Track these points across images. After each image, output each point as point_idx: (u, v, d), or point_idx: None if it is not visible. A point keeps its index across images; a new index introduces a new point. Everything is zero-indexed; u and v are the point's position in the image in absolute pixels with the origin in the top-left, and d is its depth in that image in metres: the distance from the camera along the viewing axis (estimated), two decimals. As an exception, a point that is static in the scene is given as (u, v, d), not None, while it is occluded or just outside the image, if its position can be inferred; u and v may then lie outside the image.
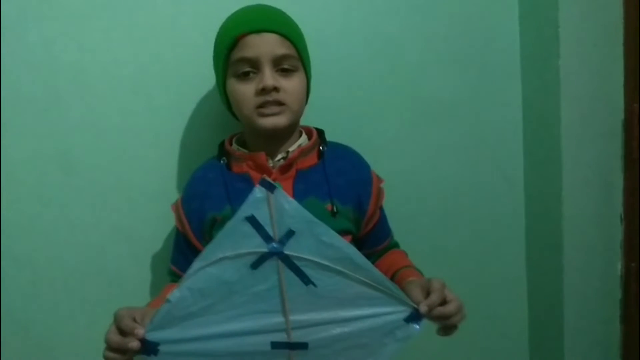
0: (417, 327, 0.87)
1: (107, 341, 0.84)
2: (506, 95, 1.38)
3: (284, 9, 1.07)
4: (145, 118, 1.25)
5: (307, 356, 0.89)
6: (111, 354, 0.85)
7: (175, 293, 0.85)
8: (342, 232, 0.91)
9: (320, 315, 0.87)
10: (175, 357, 0.87)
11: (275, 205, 0.83)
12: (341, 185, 1.05)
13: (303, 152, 1.05)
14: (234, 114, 1.09)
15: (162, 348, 0.85)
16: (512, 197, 1.42)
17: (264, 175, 0.87)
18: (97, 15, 1.21)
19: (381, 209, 1.15)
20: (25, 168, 1.22)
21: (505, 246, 1.43)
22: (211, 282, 0.85)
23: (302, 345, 0.88)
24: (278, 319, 0.87)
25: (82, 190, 1.25)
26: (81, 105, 1.22)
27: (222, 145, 1.11)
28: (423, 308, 0.86)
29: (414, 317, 0.87)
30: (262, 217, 0.83)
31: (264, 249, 0.84)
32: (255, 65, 1.00)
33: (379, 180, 1.13)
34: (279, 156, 1.06)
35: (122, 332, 0.84)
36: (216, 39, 1.05)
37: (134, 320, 0.85)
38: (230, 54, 1.01)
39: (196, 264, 0.84)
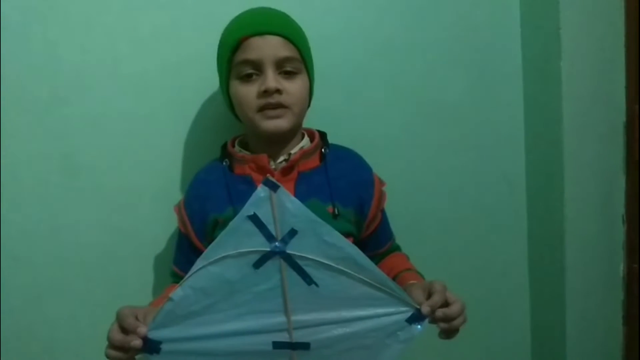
0: (420, 328, 0.87)
1: (109, 339, 0.84)
2: (508, 96, 1.39)
3: (287, 12, 1.07)
4: (147, 120, 1.25)
5: (309, 356, 0.89)
6: (113, 352, 0.84)
7: (177, 291, 0.85)
8: (344, 235, 0.89)
9: (322, 315, 0.87)
10: (177, 355, 0.86)
11: (278, 204, 0.83)
12: (343, 187, 1.05)
13: (305, 154, 1.05)
14: (236, 116, 1.09)
15: (164, 346, 0.85)
16: (514, 198, 1.42)
17: (268, 175, 0.88)
18: (99, 17, 1.21)
19: (383, 211, 1.15)
20: (28, 170, 1.22)
21: (507, 248, 1.43)
22: (213, 280, 0.84)
23: (304, 346, 0.88)
24: (280, 318, 0.87)
25: (84, 192, 1.24)
26: (84, 107, 1.22)
27: (224, 147, 1.11)
28: (425, 309, 0.86)
29: (416, 318, 0.87)
30: (265, 216, 0.83)
31: (266, 247, 0.84)
32: (258, 67, 1.00)
33: (381, 183, 1.13)
34: (281, 158, 1.06)
35: (125, 331, 0.84)
36: (220, 41, 1.06)
37: (137, 318, 0.85)
38: (233, 56, 1.01)
39: (199, 263, 0.84)
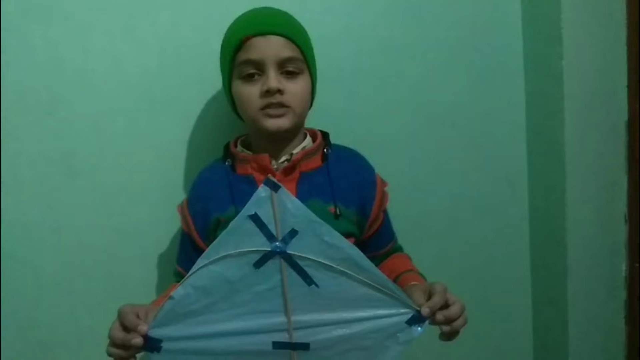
0: (420, 329, 0.87)
1: (110, 337, 0.85)
2: (509, 96, 1.39)
3: (289, 12, 1.07)
4: (149, 120, 1.25)
5: (309, 357, 0.89)
6: (115, 350, 0.85)
7: (178, 290, 0.85)
8: (345, 235, 0.90)
9: (322, 316, 0.87)
10: (177, 354, 0.87)
11: (279, 205, 0.83)
12: (345, 187, 1.05)
13: (307, 154, 1.06)
14: (239, 116, 1.10)
15: (164, 345, 0.85)
16: (516, 198, 1.42)
17: (269, 175, 0.88)
18: (101, 18, 1.21)
19: (385, 212, 1.15)
20: (30, 170, 1.22)
21: (509, 248, 1.43)
22: (214, 280, 0.85)
23: (304, 346, 0.88)
24: (280, 318, 0.87)
25: (86, 193, 1.25)
26: (85, 107, 1.23)
27: (227, 147, 1.11)
28: (425, 310, 0.86)
29: (416, 319, 0.87)
30: (266, 216, 0.83)
31: (267, 247, 0.84)
32: (260, 67, 1.00)
33: (384, 183, 1.13)
34: (283, 158, 1.06)
35: (126, 329, 0.84)
36: (223, 41, 1.06)
37: (138, 316, 0.86)
38: (235, 56, 1.02)
39: (200, 262, 0.85)
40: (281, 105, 1.01)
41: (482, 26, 1.36)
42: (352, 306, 0.87)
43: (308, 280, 0.86)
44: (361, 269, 0.86)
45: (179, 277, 1.10)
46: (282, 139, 1.06)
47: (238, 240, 0.84)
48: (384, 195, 1.12)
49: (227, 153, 1.10)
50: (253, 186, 1.00)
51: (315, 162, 1.07)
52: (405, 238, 1.22)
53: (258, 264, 0.85)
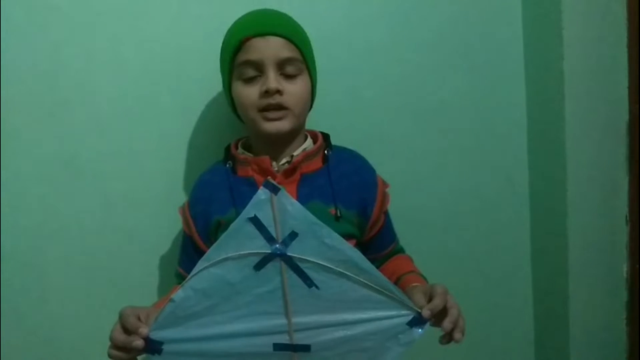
0: (420, 331, 0.87)
1: (111, 339, 0.85)
2: (510, 97, 1.39)
3: (290, 14, 1.08)
4: (151, 122, 1.26)
5: (310, 358, 0.89)
6: (116, 352, 0.85)
7: (179, 293, 0.85)
8: (346, 237, 0.90)
9: (323, 317, 0.87)
10: (178, 356, 0.87)
11: (279, 207, 0.83)
12: (345, 189, 1.05)
13: (308, 156, 1.06)
14: (239, 117, 1.10)
15: (165, 347, 0.86)
16: (517, 199, 1.42)
17: (268, 177, 0.88)
18: (103, 20, 1.22)
19: (386, 213, 1.15)
20: (32, 172, 1.23)
21: (510, 248, 1.43)
22: (215, 282, 0.85)
23: (305, 348, 0.88)
24: (280, 320, 0.87)
25: (89, 194, 1.25)
26: (88, 109, 1.23)
27: (228, 149, 1.12)
28: (426, 313, 0.85)
29: (417, 321, 0.87)
30: (266, 219, 0.84)
31: (267, 250, 0.84)
32: (259, 68, 1.00)
33: (385, 184, 1.13)
34: (284, 160, 1.06)
35: (127, 331, 0.85)
36: (223, 43, 1.06)
37: (139, 319, 0.86)
38: (235, 57, 1.02)
39: (200, 264, 0.85)
40: (280, 106, 1.01)
41: (483, 26, 1.36)
42: (352, 308, 0.87)
43: (308, 282, 0.86)
44: (362, 271, 0.86)
45: (180, 278, 1.11)
46: (282, 141, 1.06)
47: (238, 242, 0.84)
48: (385, 197, 1.12)
49: (228, 155, 1.10)
50: (254, 188, 0.99)
51: (316, 163, 1.07)
52: (406, 237, 1.22)
53: (258, 267, 0.85)
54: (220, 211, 1.04)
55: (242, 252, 0.84)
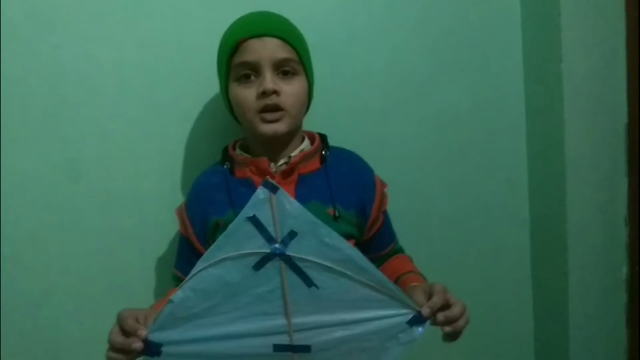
0: (421, 330, 0.87)
1: (110, 341, 0.85)
2: (509, 99, 1.39)
3: (289, 16, 1.08)
4: (151, 124, 1.26)
5: (310, 359, 0.89)
6: (114, 354, 0.85)
7: (178, 294, 0.85)
8: (345, 237, 0.89)
9: (323, 318, 0.87)
10: (177, 358, 0.87)
11: (277, 206, 0.83)
12: (344, 189, 1.06)
13: (305, 156, 1.06)
14: (237, 119, 1.11)
15: (164, 349, 0.86)
16: (516, 201, 1.42)
17: (267, 177, 0.88)
18: (104, 23, 1.22)
19: (385, 213, 1.16)
20: (33, 174, 1.23)
21: (510, 250, 1.43)
22: (214, 282, 0.85)
23: (305, 348, 0.88)
24: (280, 321, 0.87)
25: (88, 196, 1.26)
26: (88, 112, 1.24)
27: (225, 150, 1.12)
28: (425, 311, 0.86)
29: (417, 320, 0.87)
30: (265, 218, 0.84)
31: (266, 249, 0.85)
32: (256, 69, 1.01)
33: (383, 184, 1.14)
34: (281, 161, 1.07)
35: (125, 333, 0.85)
36: (219, 45, 1.07)
37: (137, 321, 0.86)
38: (232, 59, 1.03)
39: (199, 265, 0.85)
40: (277, 107, 1.01)
41: (481, 29, 1.37)
42: (352, 307, 0.87)
43: (308, 281, 0.86)
44: (361, 270, 0.86)
45: (177, 281, 1.11)
46: (279, 143, 1.07)
47: (237, 242, 0.84)
48: (383, 197, 1.13)
49: (226, 156, 1.11)
50: (252, 189, 0.98)
51: (314, 164, 1.08)
52: (407, 239, 1.23)
53: (257, 266, 0.85)
54: (218, 212, 1.04)
55: (241, 252, 0.84)
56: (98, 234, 1.27)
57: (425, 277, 1.07)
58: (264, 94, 1.00)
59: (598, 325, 1.34)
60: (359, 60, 1.32)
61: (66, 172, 1.24)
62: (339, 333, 0.88)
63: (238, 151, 1.10)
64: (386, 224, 1.17)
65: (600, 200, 1.31)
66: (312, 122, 1.15)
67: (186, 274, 0.87)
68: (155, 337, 0.85)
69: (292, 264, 0.85)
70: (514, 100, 1.40)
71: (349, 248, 0.86)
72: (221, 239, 0.85)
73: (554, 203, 1.32)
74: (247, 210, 0.84)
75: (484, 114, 1.38)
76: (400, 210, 1.22)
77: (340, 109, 1.31)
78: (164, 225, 1.26)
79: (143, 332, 0.84)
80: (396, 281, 1.05)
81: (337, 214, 1.03)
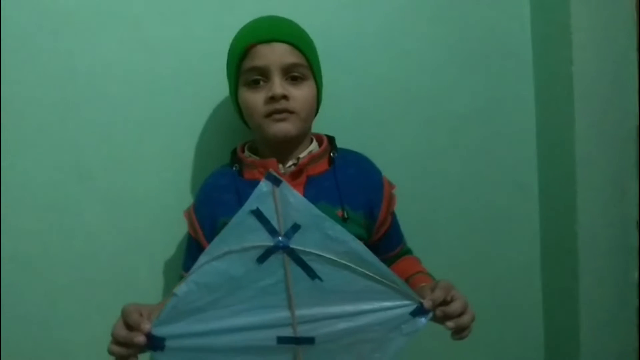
0: (423, 320, 0.88)
1: (113, 335, 0.85)
2: (519, 101, 1.40)
3: (297, 20, 1.09)
4: (159, 127, 1.28)
5: (314, 351, 0.89)
6: (117, 348, 0.85)
7: (182, 287, 0.86)
8: None
9: (327, 310, 0.88)
10: (181, 352, 0.87)
11: (281, 199, 0.84)
12: (352, 191, 1.07)
13: (314, 158, 1.07)
14: (246, 123, 1.12)
15: (168, 343, 0.85)
16: (526, 203, 1.42)
17: (270, 169, 0.89)
18: (113, 27, 1.24)
19: (393, 214, 1.16)
20: (41, 175, 1.25)
21: (520, 253, 1.43)
22: (217, 276, 0.85)
23: (309, 340, 0.88)
24: (284, 313, 0.88)
25: (96, 198, 1.27)
26: (97, 115, 1.25)
27: (234, 152, 1.13)
28: (427, 303, 0.87)
29: (420, 311, 0.88)
30: (268, 211, 0.84)
31: (269, 242, 0.85)
32: (265, 74, 1.02)
33: (391, 186, 1.14)
34: (290, 163, 1.08)
35: (129, 327, 0.85)
36: (229, 49, 1.08)
37: (141, 315, 0.86)
38: (241, 64, 1.04)
39: (202, 258, 0.86)
40: (286, 111, 1.03)
41: (491, 31, 1.37)
42: (356, 299, 0.88)
43: (312, 274, 0.86)
44: (365, 263, 0.86)
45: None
46: (288, 144, 1.08)
47: (240, 235, 0.85)
48: (391, 198, 1.13)
49: (234, 158, 1.12)
50: None
51: (322, 166, 1.09)
52: (417, 242, 1.23)
53: (261, 259, 0.86)
54: (227, 214, 1.01)
55: (244, 245, 0.85)
56: (105, 236, 1.28)
57: (434, 277, 1.08)
58: (273, 98, 1.01)
59: (609, 328, 1.33)
60: (368, 64, 1.33)
61: (74, 174, 1.26)
62: (343, 325, 0.88)
63: (247, 153, 1.11)
64: (394, 226, 1.17)
65: (611, 202, 1.31)
66: (320, 124, 1.16)
67: (194, 277, 0.88)
68: (159, 331, 0.85)
69: (295, 256, 0.86)
70: (524, 103, 1.40)
71: (353, 241, 0.86)
72: (224, 232, 0.85)
73: (564, 205, 1.32)
74: (251, 203, 0.85)
75: (493, 116, 1.39)
76: (409, 212, 1.23)
77: (349, 111, 1.32)
78: (171, 227, 1.26)
79: (146, 326, 0.84)
80: (405, 282, 1.05)
81: (345, 215, 1.04)
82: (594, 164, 1.29)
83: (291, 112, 1.03)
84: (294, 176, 1.05)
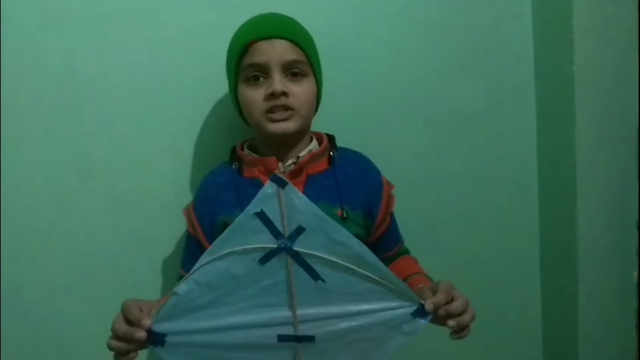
0: (423, 321, 0.88)
1: (113, 330, 0.85)
2: (520, 101, 1.40)
3: (299, 18, 1.10)
4: (159, 125, 1.28)
5: (314, 348, 0.89)
6: (117, 343, 0.85)
7: (182, 286, 0.86)
8: None
9: (328, 309, 0.88)
10: (181, 347, 0.87)
11: (286, 201, 0.84)
12: (351, 190, 1.07)
13: (313, 157, 1.07)
14: (245, 120, 1.12)
15: (168, 339, 0.86)
16: (527, 204, 1.43)
17: (275, 171, 0.89)
18: (114, 26, 1.25)
19: (391, 215, 1.17)
20: (42, 173, 1.25)
21: (520, 254, 1.44)
22: (219, 275, 0.86)
23: (309, 338, 0.89)
24: (285, 312, 0.88)
25: (97, 196, 1.28)
26: (98, 113, 1.26)
27: (233, 150, 1.13)
28: (429, 306, 0.87)
29: (420, 312, 0.88)
30: (272, 213, 0.85)
31: (273, 244, 0.85)
32: (264, 70, 1.02)
33: (390, 186, 1.15)
34: (290, 161, 1.08)
35: (129, 322, 0.85)
36: (229, 46, 1.09)
37: (141, 311, 0.86)
38: (241, 60, 1.04)
39: (204, 258, 0.86)
40: (286, 107, 1.03)
41: (492, 31, 1.38)
42: (358, 300, 0.88)
43: (315, 275, 0.87)
44: (368, 265, 0.87)
45: (183, 281, 1.12)
46: (288, 143, 1.08)
47: (243, 237, 0.86)
48: (390, 198, 1.14)
49: (234, 156, 1.12)
50: (260, 189, 0.99)
51: (322, 165, 1.09)
52: (415, 242, 1.24)
53: (263, 260, 0.86)
54: (226, 212, 1.05)
55: (247, 247, 0.86)
56: (105, 233, 1.28)
57: (431, 278, 1.08)
58: (273, 95, 1.01)
59: (608, 330, 1.33)
60: (368, 62, 1.33)
61: (74, 173, 1.27)
62: (344, 324, 0.89)
63: (246, 151, 1.11)
64: (392, 226, 1.18)
65: (611, 204, 1.31)
66: (320, 123, 1.17)
67: (192, 274, 0.88)
68: (159, 327, 0.86)
69: (298, 258, 0.86)
70: (525, 103, 1.40)
71: (357, 244, 0.87)
72: (227, 232, 0.86)
73: (564, 207, 1.32)
74: (255, 205, 0.85)
75: (494, 117, 1.39)
76: (409, 212, 1.24)
77: (349, 110, 1.33)
78: (171, 225, 1.27)
79: (147, 322, 0.84)
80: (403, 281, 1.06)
81: (345, 214, 1.04)
82: (594, 164, 1.29)
83: (291, 109, 1.03)
84: (293, 175, 1.06)
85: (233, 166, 1.10)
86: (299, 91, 1.04)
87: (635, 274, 1.34)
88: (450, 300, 0.90)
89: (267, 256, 0.86)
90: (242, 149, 1.12)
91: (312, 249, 0.86)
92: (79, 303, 1.29)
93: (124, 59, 1.26)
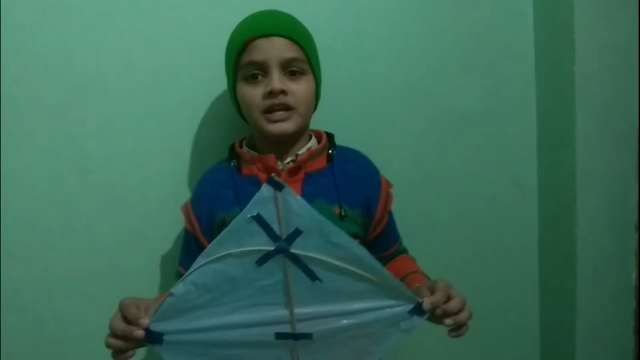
0: (421, 319, 0.89)
1: (111, 328, 0.86)
2: (520, 101, 1.40)
3: (299, 16, 1.10)
4: (158, 122, 1.28)
5: (311, 346, 0.90)
6: (115, 341, 0.86)
7: (179, 287, 0.86)
8: (350, 236, 0.90)
9: (325, 308, 0.89)
10: (179, 345, 0.88)
11: (283, 204, 0.85)
12: (350, 189, 1.07)
13: (312, 155, 1.08)
14: (244, 118, 1.12)
15: (166, 337, 0.87)
16: (526, 204, 1.43)
17: (273, 174, 0.89)
18: (113, 22, 1.25)
19: (390, 214, 1.17)
20: (40, 170, 1.26)
21: (518, 254, 1.44)
22: (215, 277, 0.86)
23: (307, 336, 0.89)
24: (283, 311, 0.89)
25: (96, 193, 1.28)
26: (97, 109, 1.26)
27: (232, 147, 1.14)
28: (426, 305, 0.88)
29: (418, 310, 0.89)
30: (269, 216, 0.85)
31: (270, 247, 0.86)
32: (263, 68, 1.03)
33: (388, 185, 1.15)
34: (288, 159, 1.09)
35: (127, 321, 0.86)
36: (227, 44, 1.09)
37: (139, 309, 0.87)
38: (239, 58, 1.04)
39: (200, 260, 0.86)
40: (285, 106, 1.03)
41: (493, 31, 1.38)
42: (355, 298, 0.89)
43: (312, 276, 0.87)
44: (366, 267, 0.87)
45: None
46: (286, 141, 1.09)
47: (240, 239, 0.86)
48: (388, 197, 1.14)
49: (232, 154, 1.12)
50: (258, 187, 0.97)
51: (321, 163, 1.09)
52: (414, 241, 1.24)
53: (261, 262, 0.86)
54: (225, 209, 1.06)
55: (244, 249, 0.86)
56: (103, 231, 1.29)
57: (429, 277, 1.08)
58: (271, 93, 1.02)
59: (606, 331, 1.34)
60: (367, 60, 1.33)
61: (73, 169, 1.27)
62: (342, 322, 0.89)
63: (245, 149, 1.12)
64: (390, 225, 1.18)
65: (611, 205, 1.32)
66: (319, 121, 1.17)
67: (191, 271, 0.89)
68: (157, 326, 0.86)
69: (296, 260, 0.87)
70: (525, 103, 1.40)
71: (355, 247, 0.87)
72: (223, 234, 0.86)
73: (564, 206, 1.33)
74: (251, 209, 0.85)
75: (494, 116, 1.39)
76: (409, 211, 1.24)
77: (348, 109, 1.33)
78: (169, 222, 1.28)
79: (145, 321, 0.85)
80: (401, 281, 1.06)
81: (343, 213, 1.05)
82: (595, 165, 1.29)
83: (290, 107, 1.04)
84: (292, 173, 1.06)
85: (232, 163, 1.11)
86: (298, 89, 1.04)
87: (634, 275, 1.34)
88: (448, 299, 0.90)
89: (264, 258, 0.87)
90: (241, 147, 1.13)
91: (310, 251, 0.86)
92: (77, 301, 1.29)
93: (122, 55, 1.26)
